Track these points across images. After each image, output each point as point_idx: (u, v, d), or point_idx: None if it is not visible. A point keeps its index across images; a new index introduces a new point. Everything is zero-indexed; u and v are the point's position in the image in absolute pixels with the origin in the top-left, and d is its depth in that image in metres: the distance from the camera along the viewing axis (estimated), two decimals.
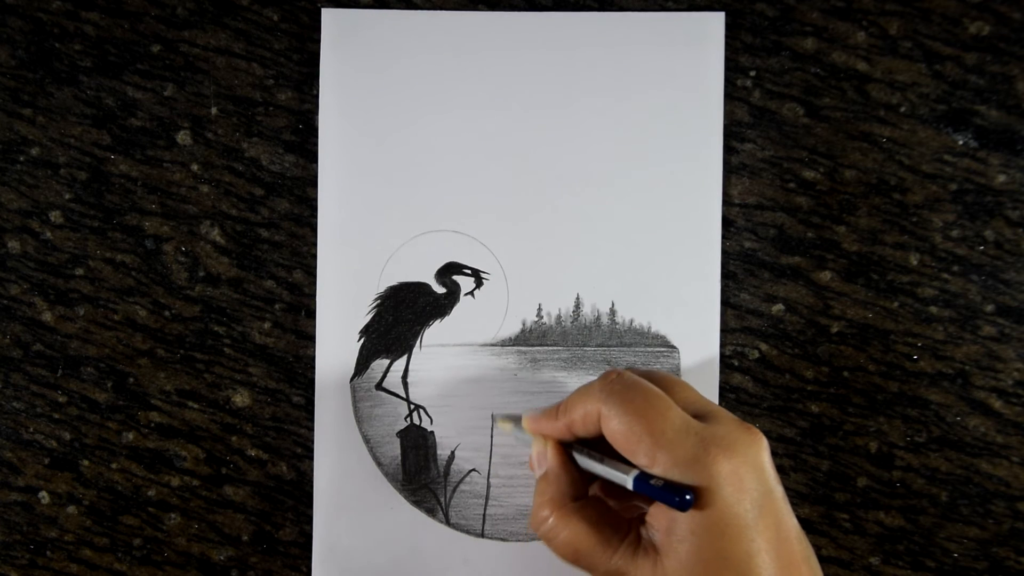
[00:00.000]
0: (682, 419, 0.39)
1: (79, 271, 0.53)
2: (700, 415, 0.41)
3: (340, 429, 0.52)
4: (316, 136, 0.53)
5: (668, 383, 0.43)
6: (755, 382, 0.53)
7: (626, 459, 0.40)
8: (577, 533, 0.41)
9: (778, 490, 0.39)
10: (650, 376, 0.43)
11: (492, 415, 0.52)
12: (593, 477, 0.43)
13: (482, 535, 0.52)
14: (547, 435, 0.44)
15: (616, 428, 0.40)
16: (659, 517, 0.39)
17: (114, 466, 0.53)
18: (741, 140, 0.52)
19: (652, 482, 0.38)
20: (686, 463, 0.38)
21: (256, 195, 0.53)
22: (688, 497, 0.37)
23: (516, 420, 0.47)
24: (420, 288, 0.53)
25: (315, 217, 0.52)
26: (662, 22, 0.52)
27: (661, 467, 0.38)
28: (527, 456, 0.52)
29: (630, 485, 0.39)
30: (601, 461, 0.41)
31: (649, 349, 0.52)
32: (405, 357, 0.53)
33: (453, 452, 0.52)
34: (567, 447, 0.43)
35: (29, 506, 0.53)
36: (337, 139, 0.52)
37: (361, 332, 0.52)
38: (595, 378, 0.42)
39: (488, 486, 0.52)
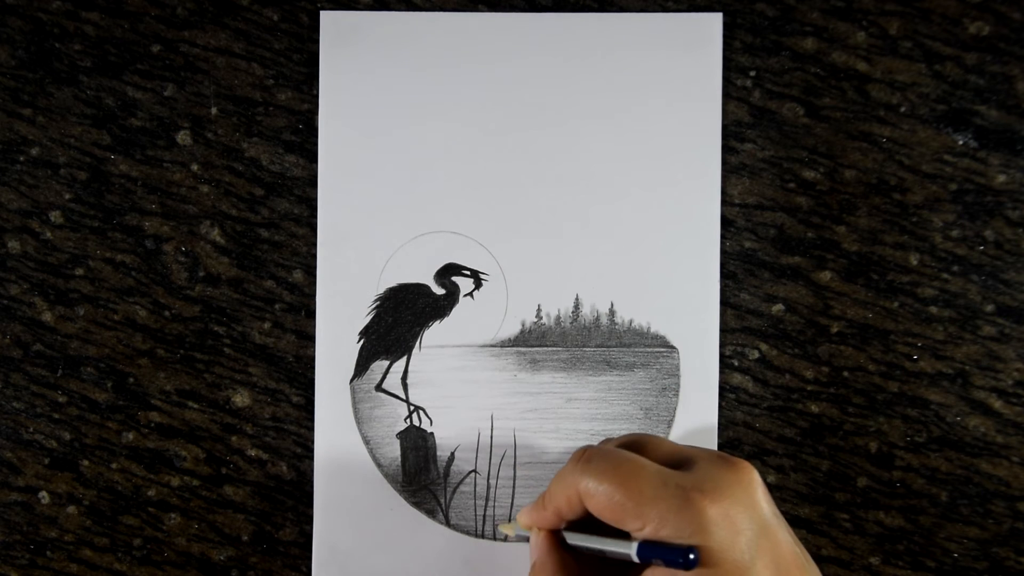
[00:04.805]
0: (658, 473, 0.39)
1: (79, 271, 0.53)
2: (681, 463, 0.40)
3: (340, 430, 0.52)
4: (316, 136, 0.53)
5: (641, 442, 0.42)
6: (755, 382, 0.53)
7: (621, 532, 0.40)
8: None
9: (774, 521, 0.39)
10: (621, 442, 0.42)
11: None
12: (589, 563, 0.43)
13: (482, 536, 0.52)
14: (539, 526, 0.43)
15: (598, 502, 0.39)
16: None
17: (114, 466, 0.53)
18: (741, 140, 0.52)
19: (652, 547, 0.38)
20: (673, 515, 0.37)
21: (256, 195, 0.53)
22: (692, 556, 0.36)
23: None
24: (419, 289, 0.53)
25: (315, 217, 0.52)
26: (661, 23, 0.52)
27: (651, 527, 0.38)
28: (527, 457, 0.52)
29: (635, 555, 0.39)
30: (600, 540, 0.41)
31: (648, 349, 0.52)
32: (405, 358, 0.53)
33: (453, 453, 0.52)
34: (562, 533, 0.43)
35: (29, 506, 0.53)
36: (337, 139, 0.52)
37: (361, 333, 0.52)
38: (568, 458, 0.41)
39: (488, 487, 0.52)
